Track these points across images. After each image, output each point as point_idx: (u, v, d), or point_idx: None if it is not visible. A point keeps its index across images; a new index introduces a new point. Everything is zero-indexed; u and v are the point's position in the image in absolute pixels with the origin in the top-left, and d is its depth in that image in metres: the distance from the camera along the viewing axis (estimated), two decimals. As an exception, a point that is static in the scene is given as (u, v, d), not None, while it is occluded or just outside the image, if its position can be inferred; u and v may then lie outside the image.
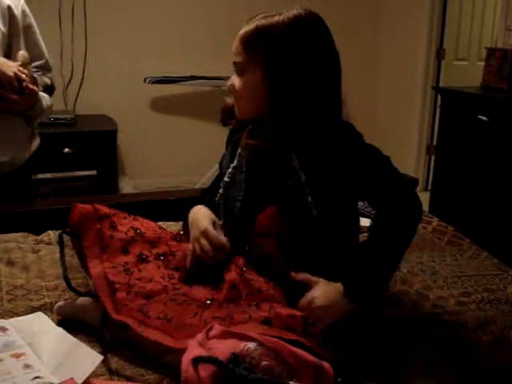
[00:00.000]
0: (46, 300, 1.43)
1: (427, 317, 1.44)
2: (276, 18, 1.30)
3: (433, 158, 4.35)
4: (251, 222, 1.34)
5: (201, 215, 1.43)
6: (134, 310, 1.24)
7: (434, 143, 4.33)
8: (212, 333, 1.05)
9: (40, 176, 3.57)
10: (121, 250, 1.37)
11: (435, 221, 2.04)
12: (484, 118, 3.32)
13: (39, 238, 1.80)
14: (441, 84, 4.44)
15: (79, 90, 4.06)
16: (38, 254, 1.68)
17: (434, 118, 4.49)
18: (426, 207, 3.71)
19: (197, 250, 1.36)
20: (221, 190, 1.46)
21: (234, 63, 1.35)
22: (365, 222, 1.98)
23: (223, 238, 1.36)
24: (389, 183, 1.32)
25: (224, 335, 1.04)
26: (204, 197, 1.55)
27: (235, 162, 1.44)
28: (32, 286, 1.49)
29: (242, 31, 1.32)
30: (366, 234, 1.89)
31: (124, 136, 3.98)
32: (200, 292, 1.29)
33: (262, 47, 1.29)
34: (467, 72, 4.49)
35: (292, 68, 1.28)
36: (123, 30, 4.10)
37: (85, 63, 4.03)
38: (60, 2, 3.88)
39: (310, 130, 1.30)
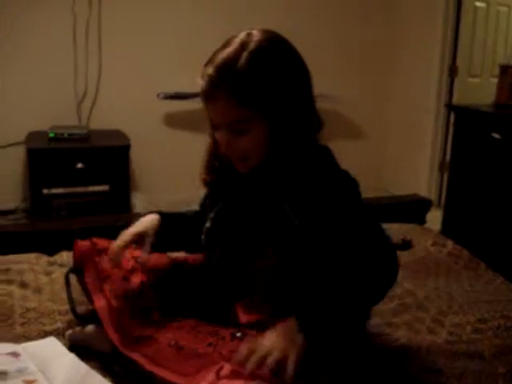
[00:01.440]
0: (59, 325, 1.42)
1: (443, 346, 1.41)
2: (245, 55, 1.16)
3: (445, 174, 4.32)
4: (248, 264, 1.30)
5: (147, 221, 1.41)
6: (143, 338, 1.22)
7: (447, 160, 4.31)
8: (223, 372, 1.03)
9: (53, 191, 3.60)
10: (122, 279, 1.36)
11: (450, 244, 2.02)
12: (497, 136, 3.30)
13: (52, 259, 1.80)
14: (454, 101, 4.41)
15: (93, 105, 4.08)
16: (51, 276, 1.68)
17: (446, 134, 4.47)
18: (438, 225, 3.68)
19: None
20: (203, 236, 1.39)
21: (230, 124, 1.19)
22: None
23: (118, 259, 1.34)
24: (368, 236, 1.18)
25: (234, 375, 1.01)
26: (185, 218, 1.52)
27: (219, 206, 1.37)
28: (44, 310, 1.49)
29: (225, 85, 1.15)
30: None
31: (137, 151, 3.99)
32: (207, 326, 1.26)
33: (261, 94, 1.16)
34: (480, 89, 4.46)
35: (285, 99, 1.19)
36: (137, 46, 4.11)
37: (99, 78, 4.05)
38: (75, 17, 3.90)
39: (301, 161, 1.22)
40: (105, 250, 1.41)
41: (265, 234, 1.26)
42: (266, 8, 4.29)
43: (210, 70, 1.17)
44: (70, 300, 1.40)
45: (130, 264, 1.40)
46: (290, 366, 1.01)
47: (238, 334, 1.19)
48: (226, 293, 1.32)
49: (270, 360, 1.01)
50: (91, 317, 1.36)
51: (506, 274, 1.90)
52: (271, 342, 1.05)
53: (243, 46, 1.18)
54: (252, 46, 1.17)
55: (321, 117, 1.28)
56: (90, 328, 1.33)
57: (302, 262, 1.23)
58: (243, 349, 1.04)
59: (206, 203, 1.45)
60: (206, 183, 1.41)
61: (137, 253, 1.44)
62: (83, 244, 1.42)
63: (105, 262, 1.38)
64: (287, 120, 1.20)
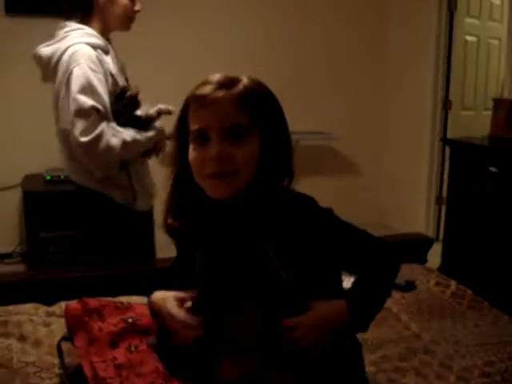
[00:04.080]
0: (58, 379, 1.39)
1: (452, 392, 1.39)
2: (245, 78, 1.21)
3: (443, 208, 4.32)
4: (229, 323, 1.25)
5: (162, 297, 1.30)
6: None
7: (444, 194, 4.32)
8: None
9: (50, 234, 3.55)
10: (108, 344, 1.34)
11: (453, 284, 2.00)
12: (494, 170, 3.31)
13: (51, 309, 1.76)
14: (448, 134, 4.44)
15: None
16: (50, 327, 1.64)
17: (442, 168, 4.48)
18: (437, 259, 3.66)
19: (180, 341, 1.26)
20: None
21: (230, 129, 1.17)
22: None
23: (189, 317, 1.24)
24: (365, 251, 1.27)
25: None
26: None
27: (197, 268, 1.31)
28: (44, 364, 1.45)
29: (232, 88, 1.18)
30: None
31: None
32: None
33: (261, 109, 1.19)
34: (474, 121, 4.49)
35: (278, 130, 1.22)
36: (139, 73, 4.09)
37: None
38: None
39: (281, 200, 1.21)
40: (95, 311, 1.41)
41: (250, 290, 1.23)
42: (262, 50, 4.36)
43: (217, 77, 1.20)
44: (64, 368, 1.39)
45: (119, 326, 1.38)
46: (316, 354, 1.20)
47: None
48: (208, 351, 1.27)
49: (300, 345, 1.19)
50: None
51: (507, 307, 1.89)
52: (310, 325, 1.19)
53: (238, 77, 1.22)
54: (246, 76, 1.22)
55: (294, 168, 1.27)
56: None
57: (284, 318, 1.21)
58: (290, 322, 1.19)
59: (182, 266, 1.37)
60: (173, 231, 1.31)
61: (129, 313, 1.43)
62: (74, 307, 1.43)
63: (94, 322, 1.37)
64: (275, 147, 1.20)
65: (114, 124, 2.06)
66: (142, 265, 2.11)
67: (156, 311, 1.30)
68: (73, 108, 1.99)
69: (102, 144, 1.99)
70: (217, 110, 1.17)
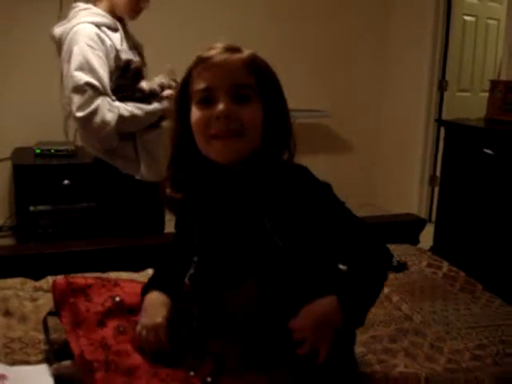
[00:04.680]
0: (44, 356, 1.36)
1: (442, 374, 1.37)
2: (250, 51, 1.24)
3: (436, 189, 4.31)
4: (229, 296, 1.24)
5: (159, 304, 1.28)
6: None
7: (437, 175, 4.30)
8: None
9: (40, 208, 3.53)
10: (97, 324, 1.30)
11: (445, 265, 1.99)
12: (489, 152, 3.28)
13: (38, 284, 1.74)
14: (444, 115, 4.42)
15: (80, 120, 4.03)
16: (36, 302, 1.62)
17: (436, 149, 4.46)
18: (429, 240, 3.66)
19: (141, 340, 1.23)
20: (186, 279, 1.30)
21: (237, 88, 1.17)
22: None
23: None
24: (358, 238, 1.23)
25: None
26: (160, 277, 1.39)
27: (200, 246, 1.29)
28: (29, 340, 1.43)
29: (240, 52, 1.21)
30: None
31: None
32: (183, 364, 1.20)
33: (265, 77, 1.21)
34: (470, 103, 4.47)
35: (279, 100, 1.24)
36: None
37: (86, 93, 4.00)
38: (62, 32, 3.86)
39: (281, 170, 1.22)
40: (80, 290, 1.38)
41: (249, 260, 1.21)
42: (258, 27, 4.29)
43: (221, 44, 1.21)
44: (49, 344, 1.36)
45: (105, 305, 1.35)
46: (321, 358, 1.11)
47: (209, 379, 1.14)
48: (206, 326, 1.25)
49: (303, 352, 1.11)
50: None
51: (498, 289, 1.88)
52: (309, 326, 1.13)
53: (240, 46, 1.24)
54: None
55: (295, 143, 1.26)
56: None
57: (284, 288, 1.20)
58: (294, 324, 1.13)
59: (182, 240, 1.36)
60: (172, 203, 1.29)
61: (117, 290, 1.40)
62: (60, 282, 1.40)
63: (80, 303, 1.34)
64: (276, 117, 1.21)
65: (110, 99, 2.10)
66: (134, 240, 2.09)
67: (144, 305, 1.29)
68: (70, 85, 2.08)
69: (97, 119, 2.06)
70: (224, 70, 1.18)
